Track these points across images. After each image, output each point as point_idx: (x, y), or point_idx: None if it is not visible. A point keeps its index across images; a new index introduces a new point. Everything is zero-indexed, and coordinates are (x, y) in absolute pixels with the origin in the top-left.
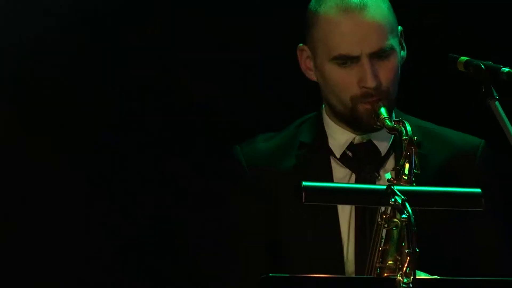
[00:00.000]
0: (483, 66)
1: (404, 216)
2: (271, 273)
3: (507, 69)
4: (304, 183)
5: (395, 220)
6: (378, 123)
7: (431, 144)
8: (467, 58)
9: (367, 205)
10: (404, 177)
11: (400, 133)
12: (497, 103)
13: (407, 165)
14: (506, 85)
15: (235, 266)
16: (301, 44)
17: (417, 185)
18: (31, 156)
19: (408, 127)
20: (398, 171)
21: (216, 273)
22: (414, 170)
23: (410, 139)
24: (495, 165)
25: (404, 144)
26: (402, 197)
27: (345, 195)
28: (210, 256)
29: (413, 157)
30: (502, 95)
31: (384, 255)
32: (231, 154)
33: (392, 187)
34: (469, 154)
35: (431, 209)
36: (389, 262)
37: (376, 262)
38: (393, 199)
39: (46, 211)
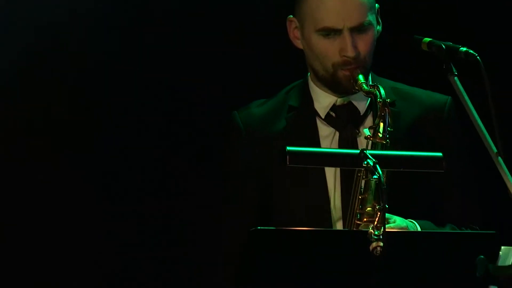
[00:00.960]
0: (444, 46)
1: (375, 176)
2: (265, 223)
3: (464, 49)
4: (288, 148)
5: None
6: (356, 87)
7: (404, 102)
8: (430, 39)
9: (344, 167)
10: (379, 135)
11: (375, 96)
12: (456, 78)
13: (381, 124)
14: (464, 62)
15: (230, 215)
16: (291, 16)
17: (392, 140)
18: (31, 156)
19: (382, 91)
20: (374, 130)
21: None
22: (388, 128)
23: (384, 101)
24: (459, 119)
25: (378, 106)
26: (374, 160)
27: (325, 158)
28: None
29: (387, 117)
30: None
31: (363, 203)
32: (229, 118)
33: (364, 151)
34: (438, 109)
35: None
36: (368, 208)
37: (357, 208)
38: (365, 162)
39: (47, 211)
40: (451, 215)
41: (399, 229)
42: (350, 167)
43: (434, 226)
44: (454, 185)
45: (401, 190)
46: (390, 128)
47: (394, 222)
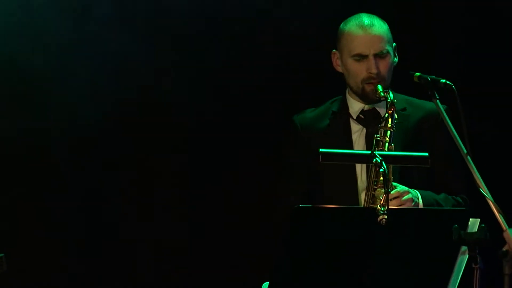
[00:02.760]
0: (429, 79)
1: (381, 170)
2: (311, 194)
3: (444, 80)
4: (321, 150)
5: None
6: (377, 95)
7: (412, 108)
8: (419, 73)
9: (361, 163)
10: (389, 125)
11: (386, 98)
12: (438, 101)
13: (390, 120)
14: (444, 90)
15: (286, 185)
16: (334, 50)
17: (403, 134)
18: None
19: (391, 95)
20: (385, 121)
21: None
22: (395, 121)
23: (391, 101)
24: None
25: (388, 105)
26: (381, 158)
27: (347, 157)
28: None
29: (394, 114)
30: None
31: (377, 174)
32: (291, 120)
33: (374, 152)
34: (436, 114)
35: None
36: (381, 178)
37: (374, 177)
38: (375, 160)
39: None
40: (445, 187)
41: (403, 192)
42: (365, 163)
43: (431, 193)
44: (447, 166)
45: (409, 169)
46: (396, 121)
47: (398, 187)
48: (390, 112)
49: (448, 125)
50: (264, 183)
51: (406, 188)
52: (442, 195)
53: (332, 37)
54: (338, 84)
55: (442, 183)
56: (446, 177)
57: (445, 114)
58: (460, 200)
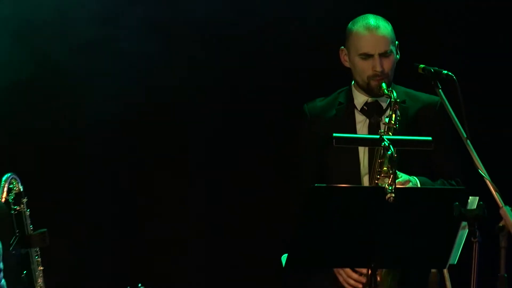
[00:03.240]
0: (432, 70)
1: (389, 152)
2: (320, 176)
3: (445, 71)
4: (335, 134)
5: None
6: (381, 92)
7: (411, 100)
8: (424, 65)
9: (370, 146)
10: (392, 122)
11: (390, 97)
12: (440, 90)
13: (393, 115)
14: (446, 81)
15: (298, 165)
16: (342, 47)
17: (403, 124)
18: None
19: (395, 93)
20: (389, 118)
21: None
22: (398, 118)
23: (395, 100)
24: (446, 112)
25: (392, 103)
26: (388, 141)
27: (358, 141)
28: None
29: (397, 111)
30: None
31: (381, 164)
32: (301, 108)
33: (382, 136)
34: (432, 104)
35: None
36: (384, 168)
37: (377, 168)
38: (383, 143)
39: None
40: (442, 172)
41: (405, 181)
42: (373, 146)
43: (428, 180)
44: (443, 153)
45: (407, 157)
46: (399, 118)
47: (401, 177)
48: (394, 109)
49: (449, 110)
50: (264, 183)
51: (407, 178)
52: (439, 181)
53: (334, 37)
54: (338, 84)
55: (438, 169)
56: (442, 163)
57: (446, 101)
58: (454, 183)
